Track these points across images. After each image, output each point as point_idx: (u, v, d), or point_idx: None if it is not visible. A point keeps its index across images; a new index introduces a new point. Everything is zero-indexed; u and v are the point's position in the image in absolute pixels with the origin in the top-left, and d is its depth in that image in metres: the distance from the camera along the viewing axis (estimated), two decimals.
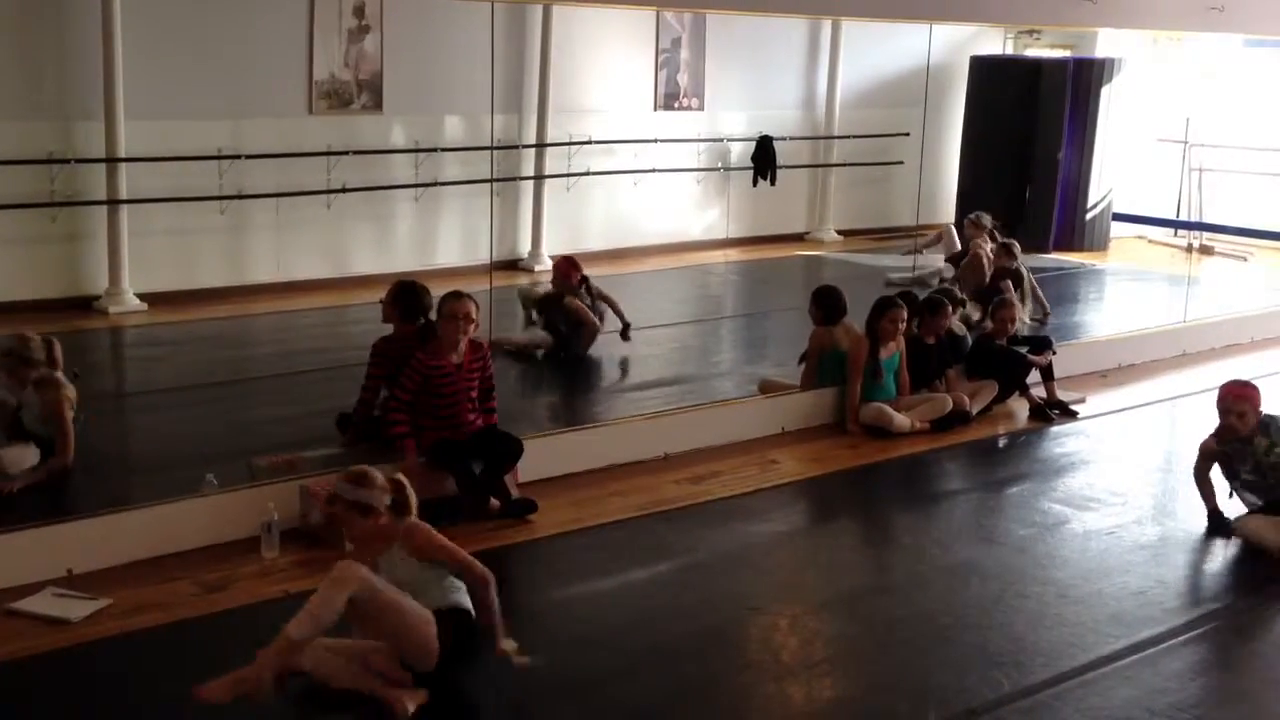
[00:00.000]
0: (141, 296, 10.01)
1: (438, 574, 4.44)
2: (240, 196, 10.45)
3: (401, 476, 4.55)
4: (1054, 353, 8.33)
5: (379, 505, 4.44)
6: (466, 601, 4.43)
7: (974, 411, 7.90)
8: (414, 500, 4.52)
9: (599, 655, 4.82)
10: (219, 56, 10.26)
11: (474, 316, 6.06)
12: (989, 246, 10.66)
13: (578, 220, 12.62)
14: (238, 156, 10.34)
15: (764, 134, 13.31)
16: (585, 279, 9.20)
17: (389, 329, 6.63)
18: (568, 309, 8.93)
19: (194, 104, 10.22)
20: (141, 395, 8.17)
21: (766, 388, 8.08)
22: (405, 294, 6.55)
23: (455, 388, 6.00)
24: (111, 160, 9.83)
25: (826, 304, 7.92)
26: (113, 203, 9.88)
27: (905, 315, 7.78)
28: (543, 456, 6.19)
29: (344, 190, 10.86)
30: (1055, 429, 7.98)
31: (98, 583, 5.15)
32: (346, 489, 4.44)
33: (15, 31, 9.55)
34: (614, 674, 4.66)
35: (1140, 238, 15.27)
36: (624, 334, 9.13)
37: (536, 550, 5.86)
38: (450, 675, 4.38)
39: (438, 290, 6.47)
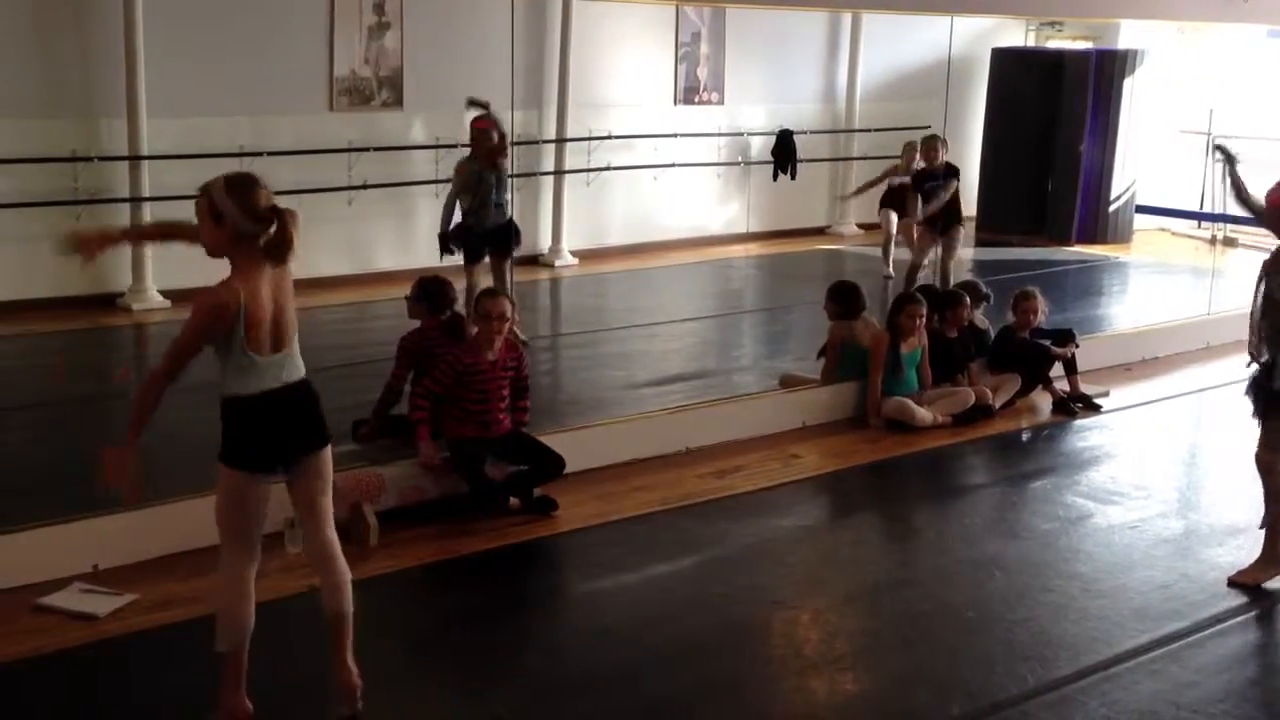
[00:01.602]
0: (164, 293, 10.06)
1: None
2: None
3: (291, 218, 3.97)
4: (1077, 346, 8.29)
5: (229, 217, 3.82)
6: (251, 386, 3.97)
7: (996, 405, 7.88)
8: (288, 245, 3.93)
9: (622, 649, 4.83)
10: (240, 54, 10.30)
11: (509, 315, 6.10)
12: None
13: (598, 215, 12.62)
14: (259, 154, 10.37)
15: (784, 128, 13.29)
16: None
17: (411, 324, 6.67)
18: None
19: (215, 101, 10.26)
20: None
21: (788, 382, 8.08)
22: (429, 288, 6.62)
23: (488, 386, 6.03)
24: (134, 158, 9.89)
25: (842, 299, 7.90)
26: (135, 200, 9.94)
27: (924, 310, 7.76)
28: (565, 451, 6.20)
29: (365, 186, 10.89)
30: (1078, 423, 7.95)
31: (123, 578, 5.19)
32: (217, 183, 3.86)
33: (38, 30, 9.61)
34: (637, 668, 4.67)
35: (1163, 230, 15.18)
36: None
37: (559, 545, 5.88)
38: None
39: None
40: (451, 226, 8.80)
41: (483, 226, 8.67)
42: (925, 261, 10.34)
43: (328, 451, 4.14)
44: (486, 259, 8.73)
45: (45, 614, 4.88)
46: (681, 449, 7.04)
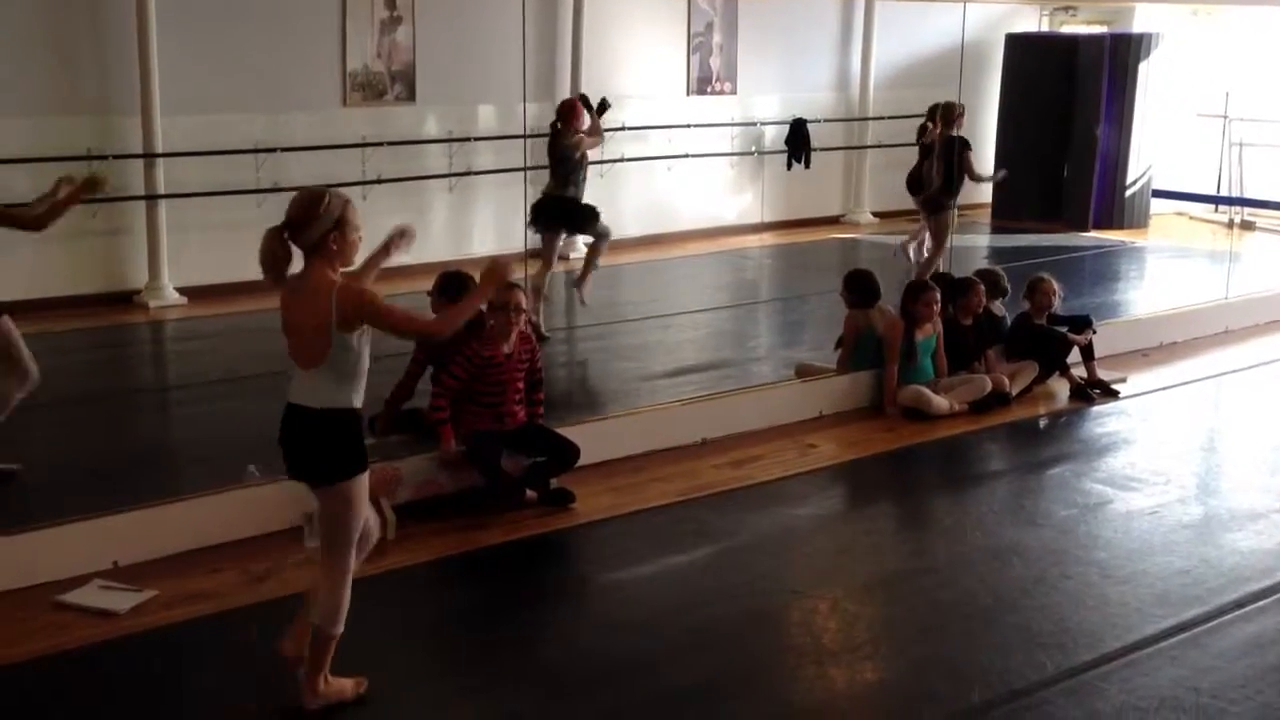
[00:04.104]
0: (181, 290, 10.11)
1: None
2: (277, 189, 10.49)
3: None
4: (1094, 331, 8.25)
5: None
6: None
7: (1014, 392, 7.85)
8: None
9: (642, 639, 4.83)
10: (253, 50, 10.33)
11: (524, 307, 6.10)
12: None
13: (612, 207, 12.55)
14: (274, 150, 10.40)
15: (798, 117, 13.28)
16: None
17: (428, 316, 6.66)
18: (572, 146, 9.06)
19: (229, 98, 10.29)
20: (183, 388, 8.24)
21: (803, 372, 8.06)
22: (451, 283, 6.60)
23: (504, 378, 6.04)
24: (149, 155, 9.92)
25: (859, 288, 7.87)
26: (151, 198, 9.98)
27: (939, 297, 7.73)
28: (581, 443, 6.20)
29: (379, 181, 10.91)
30: (1096, 409, 7.91)
31: (143, 574, 5.20)
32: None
33: (52, 28, 9.64)
34: (656, 659, 4.67)
35: (1181, 214, 15.11)
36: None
37: (577, 536, 5.88)
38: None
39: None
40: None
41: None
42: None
43: (329, 492, 4.06)
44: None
45: (65, 611, 4.90)
46: (698, 440, 7.04)
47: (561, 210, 9.18)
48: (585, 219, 9.27)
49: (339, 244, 4.00)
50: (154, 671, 4.57)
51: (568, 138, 9.11)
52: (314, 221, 3.98)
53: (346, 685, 4.21)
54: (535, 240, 9.30)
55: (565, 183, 9.12)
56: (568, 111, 9.25)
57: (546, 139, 9.35)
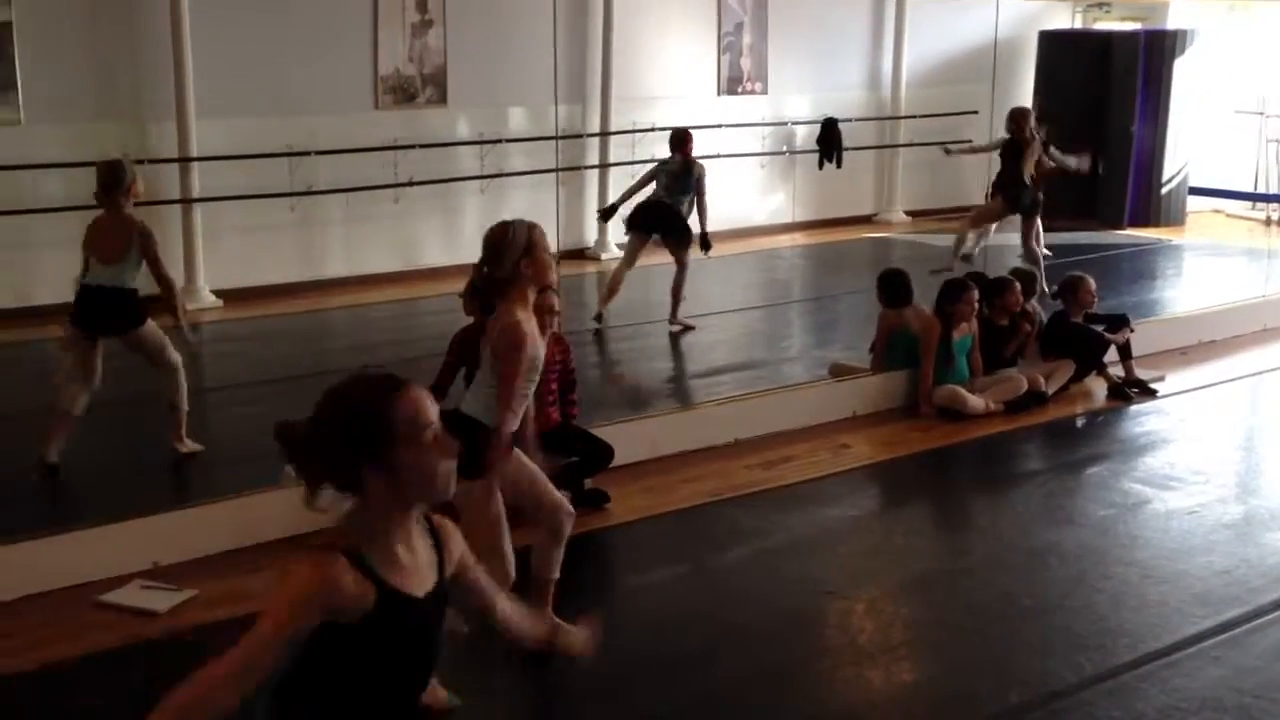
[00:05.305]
0: (216, 293, 10.18)
1: None
2: (310, 193, 10.57)
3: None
4: (1131, 330, 8.19)
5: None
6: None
7: (1050, 391, 7.80)
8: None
9: (676, 639, 4.83)
10: (286, 54, 10.39)
11: (557, 309, 6.10)
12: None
13: None
14: (307, 153, 10.46)
15: (829, 116, 13.24)
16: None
17: (462, 320, 6.67)
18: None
19: (263, 102, 10.35)
20: (219, 390, 8.28)
21: (837, 371, 8.04)
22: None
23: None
24: (184, 160, 9.99)
25: (891, 288, 7.85)
26: (186, 201, 10.05)
27: (977, 296, 7.69)
28: (615, 444, 6.20)
29: (411, 184, 10.95)
30: (1134, 408, 7.86)
31: (183, 574, 5.24)
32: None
33: (87, 34, 9.73)
34: (691, 658, 4.67)
35: (1217, 211, 14.99)
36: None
37: (611, 537, 5.88)
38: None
39: None
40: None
41: None
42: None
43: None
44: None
45: (107, 611, 4.94)
46: (730, 440, 7.02)
47: (660, 216, 9.54)
48: (681, 230, 9.57)
49: (531, 268, 4.42)
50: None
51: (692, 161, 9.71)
52: (505, 251, 4.41)
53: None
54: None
55: (673, 196, 9.59)
56: (683, 139, 9.76)
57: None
